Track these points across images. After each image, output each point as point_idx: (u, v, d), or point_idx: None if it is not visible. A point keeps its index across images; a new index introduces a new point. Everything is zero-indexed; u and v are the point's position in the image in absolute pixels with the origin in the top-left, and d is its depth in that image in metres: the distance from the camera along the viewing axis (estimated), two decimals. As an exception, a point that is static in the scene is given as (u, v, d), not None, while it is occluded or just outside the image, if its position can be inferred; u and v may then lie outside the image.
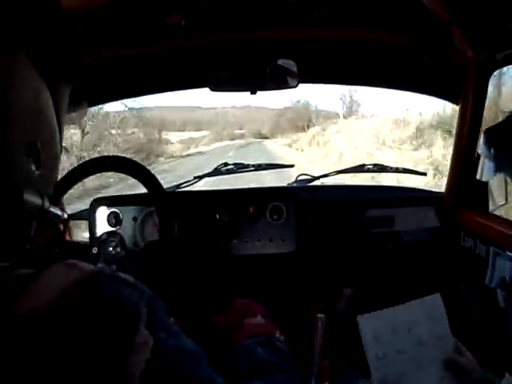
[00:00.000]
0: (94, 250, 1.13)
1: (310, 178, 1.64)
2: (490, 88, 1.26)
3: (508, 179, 1.02)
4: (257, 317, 0.80)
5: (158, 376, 0.39)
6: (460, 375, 0.64)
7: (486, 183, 1.28)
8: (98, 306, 0.37)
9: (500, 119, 1.02)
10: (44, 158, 0.41)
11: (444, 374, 0.64)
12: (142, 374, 0.38)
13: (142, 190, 1.17)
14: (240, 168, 1.62)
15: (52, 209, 0.45)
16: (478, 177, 1.23)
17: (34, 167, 0.40)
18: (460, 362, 0.64)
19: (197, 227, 1.38)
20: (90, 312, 0.36)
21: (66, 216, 0.51)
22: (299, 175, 1.66)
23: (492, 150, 0.89)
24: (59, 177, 1.18)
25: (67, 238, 1.39)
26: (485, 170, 1.09)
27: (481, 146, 0.97)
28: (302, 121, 30.28)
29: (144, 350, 0.38)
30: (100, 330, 0.36)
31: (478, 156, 1.30)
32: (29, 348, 0.34)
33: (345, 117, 22.64)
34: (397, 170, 1.77)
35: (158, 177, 1.13)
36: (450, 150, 1.40)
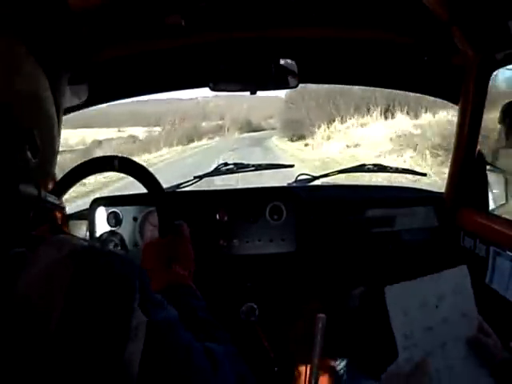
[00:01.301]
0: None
1: (309, 177, 1.64)
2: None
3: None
4: (185, 270, 0.82)
5: (152, 350, 0.39)
6: (483, 355, 0.61)
7: (486, 183, 1.28)
8: (93, 284, 0.37)
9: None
10: (41, 147, 0.41)
11: (467, 353, 0.61)
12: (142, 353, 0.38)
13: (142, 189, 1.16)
14: (240, 168, 1.62)
15: (49, 198, 0.44)
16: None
17: (30, 155, 0.39)
18: (483, 342, 0.61)
19: (197, 227, 1.38)
20: (86, 288, 0.36)
21: (63, 205, 0.51)
22: (299, 175, 1.66)
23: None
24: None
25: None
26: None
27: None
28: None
29: (141, 331, 0.38)
30: (97, 310, 0.36)
31: (478, 156, 1.30)
32: (27, 327, 0.33)
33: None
34: (396, 170, 1.77)
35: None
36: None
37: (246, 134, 33.28)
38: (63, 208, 0.51)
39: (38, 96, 0.41)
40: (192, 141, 28.51)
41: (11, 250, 0.37)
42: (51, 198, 0.45)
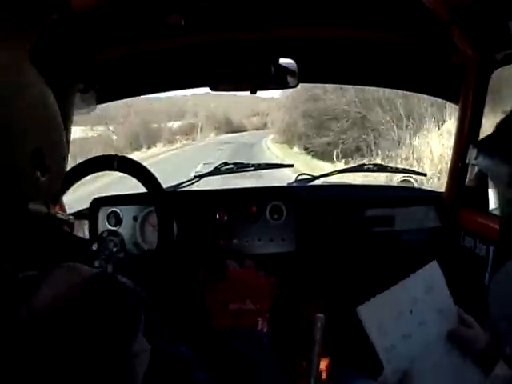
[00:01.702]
0: (94, 247, 1.13)
1: (310, 177, 1.64)
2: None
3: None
4: (245, 302, 0.81)
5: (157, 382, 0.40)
6: (465, 346, 0.61)
7: (486, 183, 1.28)
8: (97, 310, 0.37)
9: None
10: (49, 163, 0.40)
11: (449, 347, 0.61)
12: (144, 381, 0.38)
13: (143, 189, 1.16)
14: (240, 167, 1.63)
15: (58, 214, 0.45)
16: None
17: (39, 173, 0.39)
18: (464, 333, 0.61)
19: (196, 227, 1.38)
20: (90, 317, 0.37)
21: (71, 219, 0.51)
22: (299, 175, 1.66)
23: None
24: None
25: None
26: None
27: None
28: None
29: (143, 358, 0.39)
30: (99, 336, 0.36)
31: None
32: (32, 350, 0.34)
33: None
34: (397, 170, 1.77)
35: None
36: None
37: (224, 136, 25.41)
38: (72, 224, 0.52)
39: (47, 115, 0.41)
40: (137, 149, 19.84)
41: (23, 271, 0.38)
42: (60, 215, 0.45)
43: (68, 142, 0.46)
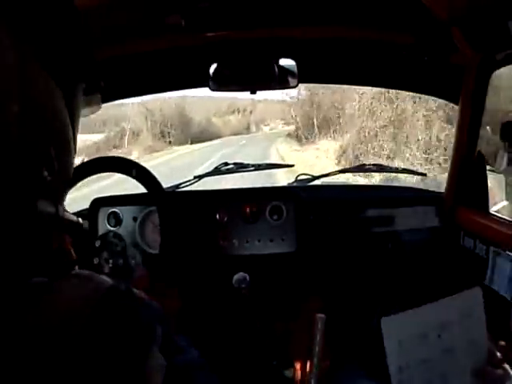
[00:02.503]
0: (97, 244, 1.13)
1: (309, 177, 1.64)
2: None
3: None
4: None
5: None
6: None
7: (485, 183, 1.28)
8: (113, 324, 0.36)
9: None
10: (58, 164, 0.40)
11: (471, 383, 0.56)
12: None
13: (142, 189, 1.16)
14: (240, 168, 1.62)
15: (67, 216, 0.44)
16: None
17: (46, 173, 0.38)
18: (491, 374, 0.56)
19: (196, 227, 1.38)
20: (105, 329, 0.36)
21: (81, 221, 0.50)
22: (299, 175, 1.66)
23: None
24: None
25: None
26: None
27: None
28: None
29: (159, 374, 0.38)
30: (113, 352, 0.35)
31: (478, 155, 1.30)
32: (42, 360, 0.33)
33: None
34: (396, 170, 1.78)
35: None
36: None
37: (170, 155, 14.54)
38: (81, 225, 0.51)
39: (54, 115, 0.40)
40: None
41: (33, 276, 0.37)
42: (69, 216, 0.44)
43: (75, 145, 0.45)
